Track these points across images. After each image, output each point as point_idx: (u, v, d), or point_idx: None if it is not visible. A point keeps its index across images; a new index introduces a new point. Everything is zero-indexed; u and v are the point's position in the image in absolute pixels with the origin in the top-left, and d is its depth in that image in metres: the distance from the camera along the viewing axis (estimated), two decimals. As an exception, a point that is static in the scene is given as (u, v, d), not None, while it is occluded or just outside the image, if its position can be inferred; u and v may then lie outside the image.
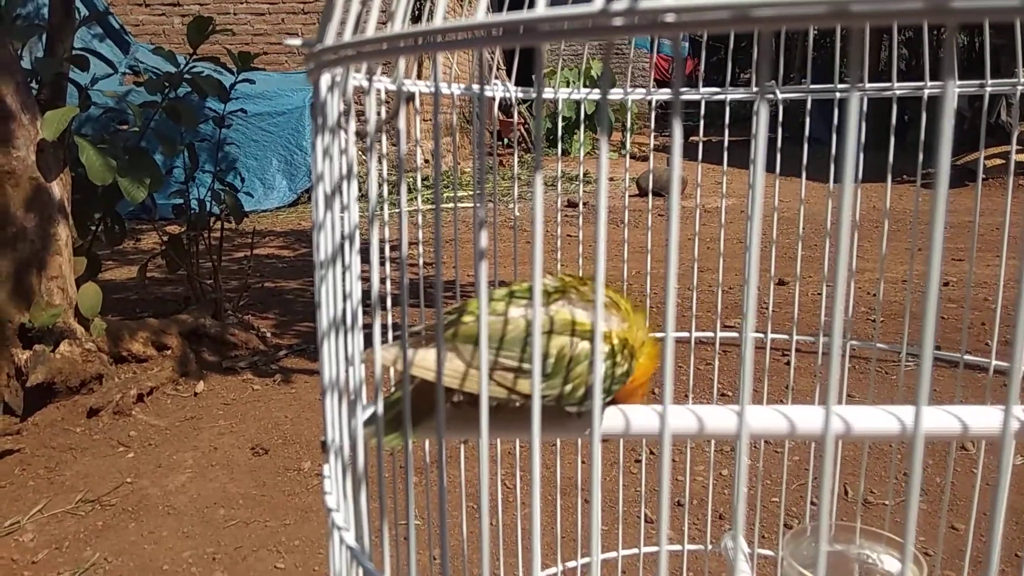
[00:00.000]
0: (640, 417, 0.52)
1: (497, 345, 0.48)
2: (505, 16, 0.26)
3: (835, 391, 0.27)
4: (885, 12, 0.21)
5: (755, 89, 0.82)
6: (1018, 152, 5.39)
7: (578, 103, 0.89)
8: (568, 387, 0.49)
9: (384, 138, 0.61)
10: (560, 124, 0.97)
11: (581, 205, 0.93)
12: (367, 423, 0.44)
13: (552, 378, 0.49)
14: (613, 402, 0.53)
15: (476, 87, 0.79)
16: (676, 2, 0.23)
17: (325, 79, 0.38)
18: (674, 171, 0.25)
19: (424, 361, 0.46)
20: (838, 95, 0.80)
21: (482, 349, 0.27)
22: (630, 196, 6.04)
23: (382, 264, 0.60)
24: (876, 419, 0.48)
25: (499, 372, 0.48)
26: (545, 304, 0.50)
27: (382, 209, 0.62)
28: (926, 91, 0.78)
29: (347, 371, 0.43)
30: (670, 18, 0.23)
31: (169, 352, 2.45)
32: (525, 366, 0.48)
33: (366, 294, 0.43)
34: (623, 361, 0.51)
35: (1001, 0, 0.20)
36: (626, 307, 0.53)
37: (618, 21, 0.23)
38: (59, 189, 2.22)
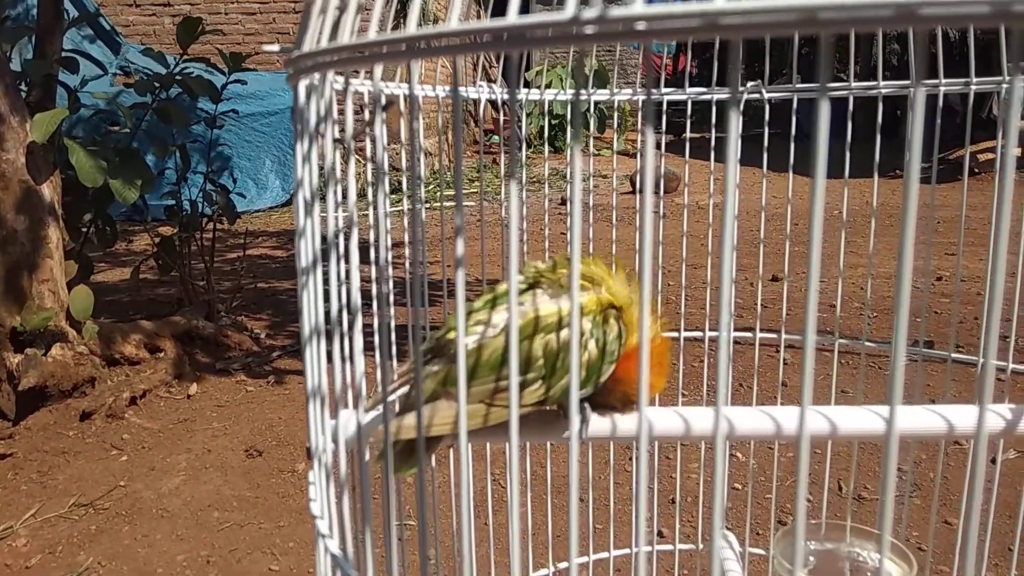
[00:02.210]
0: (626, 420, 0.52)
1: (497, 373, 0.48)
2: (476, 24, 0.26)
3: (809, 392, 0.27)
4: (853, 20, 0.21)
5: (742, 90, 0.82)
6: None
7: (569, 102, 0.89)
8: (565, 379, 0.49)
9: (368, 141, 0.61)
10: (548, 122, 0.97)
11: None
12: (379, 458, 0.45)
13: (548, 378, 0.49)
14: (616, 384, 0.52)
15: (463, 90, 0.79)
16: (646, 10, 0.22)
17: (303, 85, 0.38)
18: (647, 175, 0.25)
19: (412, 424, 0.46)
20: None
21: (459, 367, 0.27)
22: (623, 193, 6.05)
23: (369, 265, 0.60)
24: (861, 419, 0.48)
25: (502, 395, 0.48)
26: (523, 294, 0.50)
27: (365, 212, 0.62)
28: (912, 89, 0.78)
29: (331, 376, 0.43)
30: (641, 26, 0.23)
31: (162, 354, 2.44)
32: (530, 376, 0.48)
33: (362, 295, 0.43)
34: (613, 324, 0.51)
35: (969, 8, 0.20)
36: (601, 275, 0.53)
37: (589, 29, 0.23)
38: (49, 191, 2.21)
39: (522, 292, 0.51)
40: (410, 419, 0.46)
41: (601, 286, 0.52)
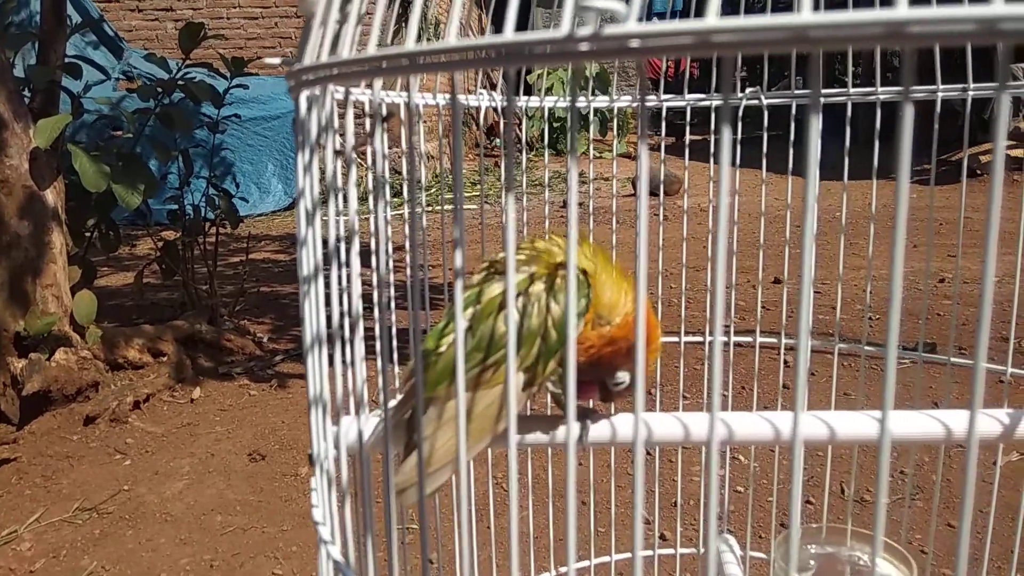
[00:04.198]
0: (626, 425, 0.52)
1: (483, 355, 0.48)
2: (475, 41, 0.26)
3: (803, 398, 0.27)
4: (843, 38, 0.22)
5: (741, 96, 0.83)
6: (1009, 148, 5.40)
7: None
8: (536, 348, 0.50)
9: (369, 151, 0.62)
10: (550, 125, 0.98)
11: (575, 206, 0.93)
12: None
13: (522, 350, 0.50)
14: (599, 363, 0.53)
15: (462, 98, 0.79)
16: (640, 28, 0.23)
17: (304, 97, 0.38)
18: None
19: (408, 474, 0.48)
20: (822, 100, 0.81)
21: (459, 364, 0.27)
22: (624, 196, 6.05)
23: (370, 269, 0.61)
24: (858, 424, 0.48)
25: (487, 374, 0.49)
26: (482, 284, 0.52)
27: (366, 217, 0.63)
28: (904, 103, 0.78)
29: (332, 383, 0.44)
30: (635, 43, 0.23)
31: (165, 359, 2.45)
32: (500, 355, 0.49)
33: (363, 299, 0.44)
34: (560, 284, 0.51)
35: (956, 26, 0.21)
36: (560, 247, 0.54)
37: (584, 47, 0.24)
38: (53, 197, 2.22)
39: (486, 280, 0.52)
40: (412, 460, 0.47)
41: (557, 257, 0.53)
